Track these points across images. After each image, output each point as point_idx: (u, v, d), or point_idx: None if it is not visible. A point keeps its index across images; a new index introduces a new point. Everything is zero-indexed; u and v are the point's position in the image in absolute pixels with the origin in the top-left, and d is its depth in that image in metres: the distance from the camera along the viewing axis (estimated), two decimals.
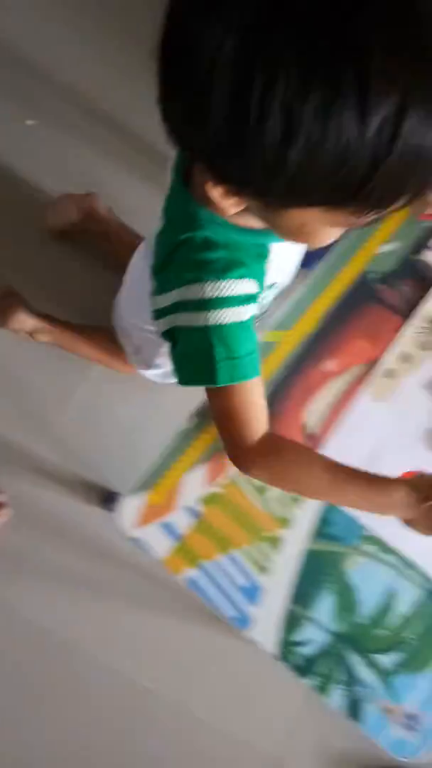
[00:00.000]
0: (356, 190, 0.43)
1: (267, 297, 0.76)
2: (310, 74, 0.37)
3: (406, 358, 0.85)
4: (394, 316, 0.86)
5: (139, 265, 0.89)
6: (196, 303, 0.60)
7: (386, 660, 0.77)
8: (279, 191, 0.45)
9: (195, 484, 0.77)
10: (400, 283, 0.87)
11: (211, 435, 0.79)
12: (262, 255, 0.64)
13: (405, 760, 0.76)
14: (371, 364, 0.84)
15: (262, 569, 0.77)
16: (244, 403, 0.64)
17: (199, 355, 0.62)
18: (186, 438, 0.78)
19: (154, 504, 0.76)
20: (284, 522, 0.78)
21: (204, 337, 0.60)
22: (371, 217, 0.47)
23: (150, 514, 0.76)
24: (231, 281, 0.60)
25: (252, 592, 0.76)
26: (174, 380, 0.68)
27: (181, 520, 0.76)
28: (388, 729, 0.75)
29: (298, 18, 0.37)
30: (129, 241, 1.24)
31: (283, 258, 0.70)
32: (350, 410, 0.82)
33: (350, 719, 0.75)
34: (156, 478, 0.77)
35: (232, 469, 0.78)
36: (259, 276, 0.64)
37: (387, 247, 0.87)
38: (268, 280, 0.67)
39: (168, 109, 0.46)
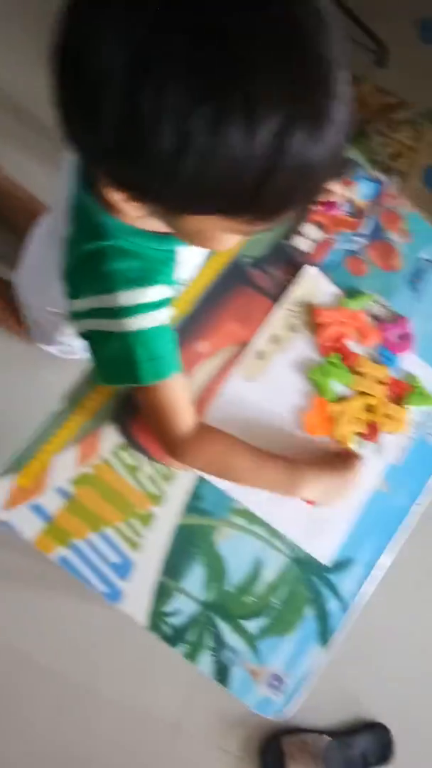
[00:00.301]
0: (248, 201, 0.44)
1: (176, 293, 0.78)
2: (199, 89, 0.38)
3: (275, 340, 0.88)
4: (265, 299, 0.89)
5: (39, 251, 0.88)
6: (112, 311, 0.62)
7: (253, 625, 0.81)
8: (174, 199, 0.46)
9: (66, 465, 0.78)
10: (271, 267, 0.90)
11: (82, 416, 0.80)
12: (171, 259, 0.66)
13: (271, 717, 0.80)
14: (242, 345, 0.87)
15: (134, 545, 0.79)
16: (170, 398, 0.68)
17: (120, 359, 0.64)
18: (56, 420, 0.79)
19: (22, 486, 0.76)
20: (156, 499, 0.81)
21: (123, 342, 0.63)
22: (266, 225, 0.49)
23: (18, 496, 0.76)
24: (143, 289, 0.62)
25: (123, 568, 0.78)
26: (75, 356, 0.69)
27: (51, 501, 0.77)
28: (254, 690, 0.80)
29: (188, 33, 0.38)
30: (14, 191, 1.22)
31: (192, 257, 0.72)
32: (222, 391, 0.85)
33: (218, 683, 0.79)
34: (25, 460, 0.77)
35: (104, 449, 0.80)
36: (169, 279, 0.66)
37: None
38: (179, 277, 0.69)
39: (63, 114, 0.45)
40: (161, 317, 0.64)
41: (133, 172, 0.45)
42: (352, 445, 0.83)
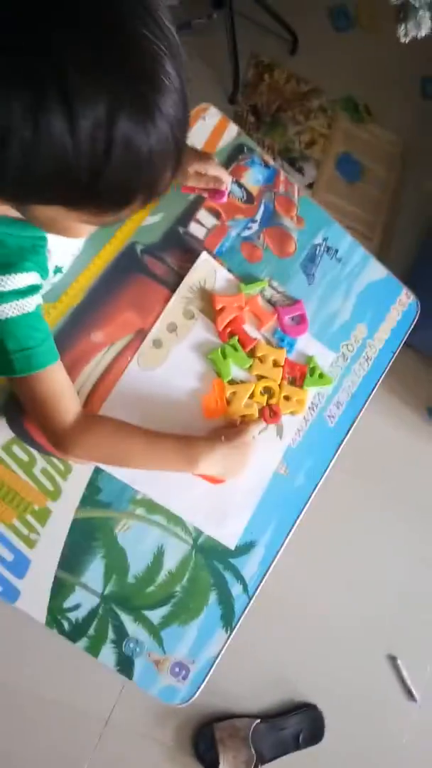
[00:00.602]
0: (85, 194, 0.43)
1: (53, 280, 0.76)
2: (15, 82, 0.37)
3: (172, 328, 0.88)
4: (161, 287, 0.88)
5: None
6: None
7: (155, 615, 0.80)
8: (10, 190, 0.45)
9: None
10: (166, 255, 0.89)
11: None
12: (40, 246, 0.64)
13: (177, 705, 0.80)
14: (139, 334, 0.86)
15: (30, 543, 0.77)
16: (50, 389, 0.67)
17: None
18: None
19: None
20: (53, 494, 0.79)
21: None
22: (115, 216, 0.48)
23: None
24: (6, 277, 0.60)
25: (19, 566, 0.76)
26: None
27: None
28: (158, 679, 0.80)
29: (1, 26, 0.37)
30: None
31: (65, 245, 0.70)
32: (121, 381, 0.84)
33: (121, 675, 0.79)
34: None
35: None
36: (38, 266, 0.64)
37: (152, 219, 0.89)
38: (52, 265, 0.67)
39: None
40: (28, 306, 0.63)
41: None
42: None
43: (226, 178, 0.89)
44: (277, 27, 1.78)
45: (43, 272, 0.66)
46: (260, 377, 0.90)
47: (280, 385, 0.90)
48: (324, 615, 1.49)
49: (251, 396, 0.89)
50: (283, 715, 1.41)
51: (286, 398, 0.90)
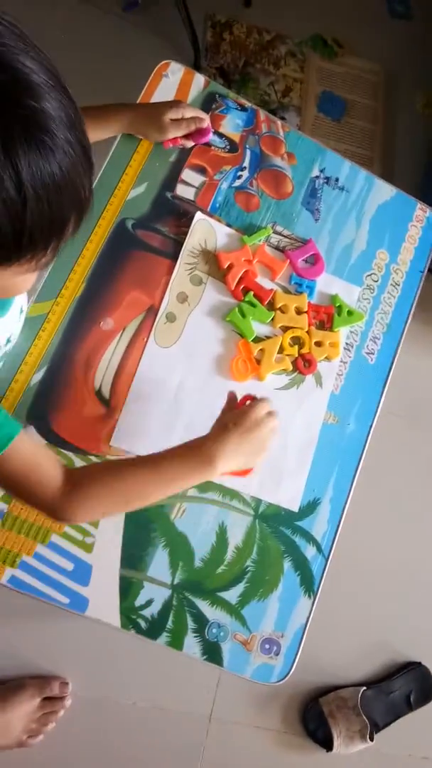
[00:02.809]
0: (16, 245, 0.40)
1: (5, 350, 0.72)
2: None
3: (183, 298, 0.83)
4: (162, 259, 0.83)
5: None
6: None
7: (232, 594, 0.76)
8: None
9: None
10: (159, 224, 0.84)
11: None
12: None
13: (274, 682, 0.76)
14: (150, 312, 0.81)
15: (87, 547, 0.74)
16: (25, 460, 0.60)
17: None
18: None
19: None
20: None
21: None
22: (51, 255, 0.44)
23: None
24: None
25: (81, 574, 0.73)
26: None
27: None
28: (249, 660, 0.75)
29: None
30: None
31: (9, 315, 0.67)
32: (142, 363, 0.80)
33: (210, 663, 0.74)
34: None
35: None
36: None
37: (137, 191, 0.85)
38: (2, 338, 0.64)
39: None
40: None
41: None
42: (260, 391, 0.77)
43: (204, 115, 0.84)
44: None
45: None
46: (286, 328, 0.84)
47: (308, 332, 0.85)
48: (408, 564, 1.42)
49: (280, 350, 0.83)
50: (388, 678, 1.35)
51: (318, 344, 0.85)
